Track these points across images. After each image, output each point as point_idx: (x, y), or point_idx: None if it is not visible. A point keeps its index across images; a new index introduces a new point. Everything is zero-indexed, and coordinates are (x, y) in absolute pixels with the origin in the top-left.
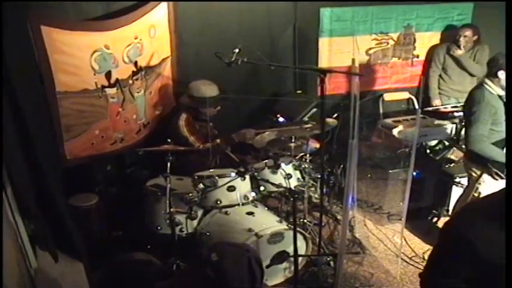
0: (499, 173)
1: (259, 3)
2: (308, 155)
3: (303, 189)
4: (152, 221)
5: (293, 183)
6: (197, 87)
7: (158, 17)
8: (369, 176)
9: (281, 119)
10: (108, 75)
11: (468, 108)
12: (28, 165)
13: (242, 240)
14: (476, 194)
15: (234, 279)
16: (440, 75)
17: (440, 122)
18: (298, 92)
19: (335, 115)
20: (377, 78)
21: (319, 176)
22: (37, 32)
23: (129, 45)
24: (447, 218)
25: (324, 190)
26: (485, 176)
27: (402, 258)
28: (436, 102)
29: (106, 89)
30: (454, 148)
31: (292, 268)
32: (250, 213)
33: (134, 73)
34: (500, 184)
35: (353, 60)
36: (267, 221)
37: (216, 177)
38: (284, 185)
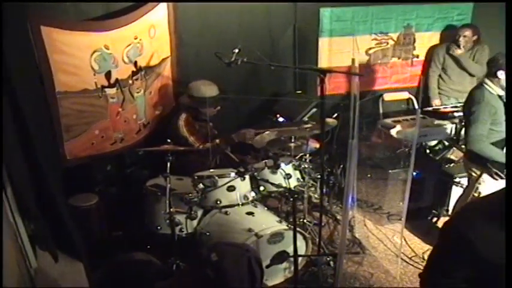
0: (499, 173)
1: (259, 3)
2: (308, 155)
3: (303, 189)
4: (152, 221)
5: (293, 183)
6: (197, 87)
7: (158, 17)
8: (369, 176)
9: (281, 119)
10: (108, 75)
11: (468, 108)
12: (28, 165)
13: (242, 240)
14: (476, 194)
15: (234, 279)
16: (440, 75)
17: (440, 122)
18: (298, 92)
19: (335, 115)
20: (377, 78)
21: (319, 176)
22: (37, 32)
23: (129, 45)
24: (447, 218)
25: (324, 190)
26: (485, 176)
27: (402, 258)
28: (436, 102)
29: (106, 89)
30: (454, 148)
31: (292, 268)
32: (250, 213)
33: (134, 73)
34: (500, 184)
35: (353, 60)
36: (266, 221)
37: (216, 177)
38: (284, 185)
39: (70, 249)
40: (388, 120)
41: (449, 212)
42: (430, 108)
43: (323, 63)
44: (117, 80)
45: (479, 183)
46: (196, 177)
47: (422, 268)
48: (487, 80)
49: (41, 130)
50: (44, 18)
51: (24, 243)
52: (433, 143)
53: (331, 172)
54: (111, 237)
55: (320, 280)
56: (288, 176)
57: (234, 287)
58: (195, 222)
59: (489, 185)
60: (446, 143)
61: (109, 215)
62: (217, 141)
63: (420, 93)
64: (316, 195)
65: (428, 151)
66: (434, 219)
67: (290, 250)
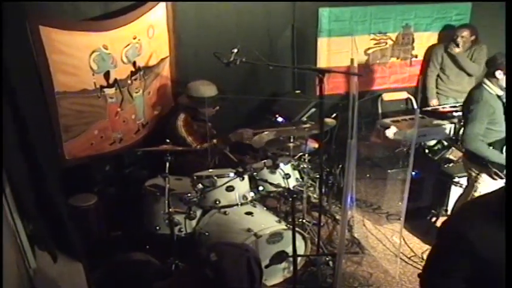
0: (499, 172)
1: (257, 3)
2: (307, 155)
3: (302, 189)
4: (151, 221)
5: (292, 183)
6: (196, 87)
7: (157, 17)
8: (368, 175)
9: (280, 119)
10: (106, 75)
11: (466, 108)
12: (27, 166)
13: (241, 240)
14: (476, 194)
15: (233, 279)
16: (438, 75)
17: (439, 122)
18: (297, 92)
19: (334, 115)
20: (376, 78)
21: (318, 176)
22: (36, 32)
23: (127, 45)
24: (446, 218)
25: (323, 190)
26: (484, 176)
27: (401, 258)
28: (433, 102)
29: (105, 89)
30: (453, 148)
31: (291, 268)
32: (249, 213)
33: (133, 73)
34: (500, 184)
35: (352, 60)
36: (266, 221)
37: (215, 177)
38: (283, 185)
39: (69, 250)
40: (387, 120)
41: (448, 212)
42: (429, 108)
43: (322, 63)
44: (116, 80)
45: (479, 183)
46: (195, 177)
47: (421, 268)
48: (486, 80)
49: (40, 130)
50: (42, 18)
51: (23, 243)
52: (432, 142)
53: (330, 172)
54: (110, 237)
55: (319, 280)
56: (287, 176)
57: (233, 287)
58: (194, 222)
59: (489, 185)
60: (445, 143)
61: (108, 215)
62: (215, 141)
63: (419, 93)
64: (315, 195)
65: (427, 151)
66: (434, 219)
67: (289, 250)
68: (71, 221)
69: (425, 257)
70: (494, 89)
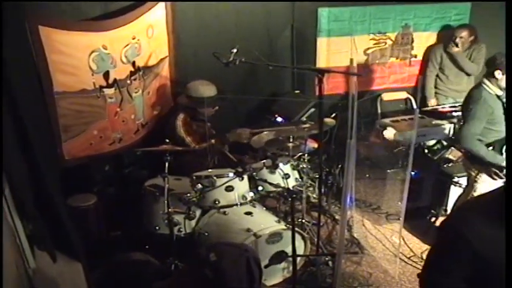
0: (498, 172)
1: (257, 3)
2: (306, 155)
3: (301, 189)
4: (150, 221)
5: (291, 183)
6: (195, 87)
7: (156, 17)
8: (367, 175)
9: (279, 119)
10: (106, 75)
11: (466, 107)
12: (26, 166)
13: (240, 240)
14: (475, 194)
15: (233, 279)
16: (437, 75)
17: (438, 122)
18: (296, 92)
19: (333, 115)
20: (375, 78)
21: (317, 176)
22: (35, 32)
23: (127, 45)
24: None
25: (322, 190)
26: (484, 176)
27: (400, 258)
28: (432, 102)
29: (104, 89)
30: (452, 148)
31: (291, 268)
32: (249, 213)
33: (132, 73)
34: (499, 184)
35: (351, 60)
36: (265, 221)
37: (214, 177)
38: (282, 185)
39: (68, 250)
40: (387, 120)
41: (448, 212)
42: (428, 108)
43: (321, 63)
44: (115, 80)
45: (479, 183)
46: (194, 177)
47: (421, 268)
48: (485, 80)
49: (39, 130)
50: (42, 18)
51: (23, 243)
52: (432, 142)
53: (329, 172)
54: (110, 237)
55: (319, 280)
56: (286, 176)
57: (233, 287)
58: (193, 222)
59: (488, 185)
60: (445, 143)
61: (107, 215)
62: (213, 141)
63: (418, 93)
64: (314, 195)
65: (426, 151)
66: (433, 219)
67: (289, 250)
68: (71, 221)
69: (424, 256)
70: (493, 89)
